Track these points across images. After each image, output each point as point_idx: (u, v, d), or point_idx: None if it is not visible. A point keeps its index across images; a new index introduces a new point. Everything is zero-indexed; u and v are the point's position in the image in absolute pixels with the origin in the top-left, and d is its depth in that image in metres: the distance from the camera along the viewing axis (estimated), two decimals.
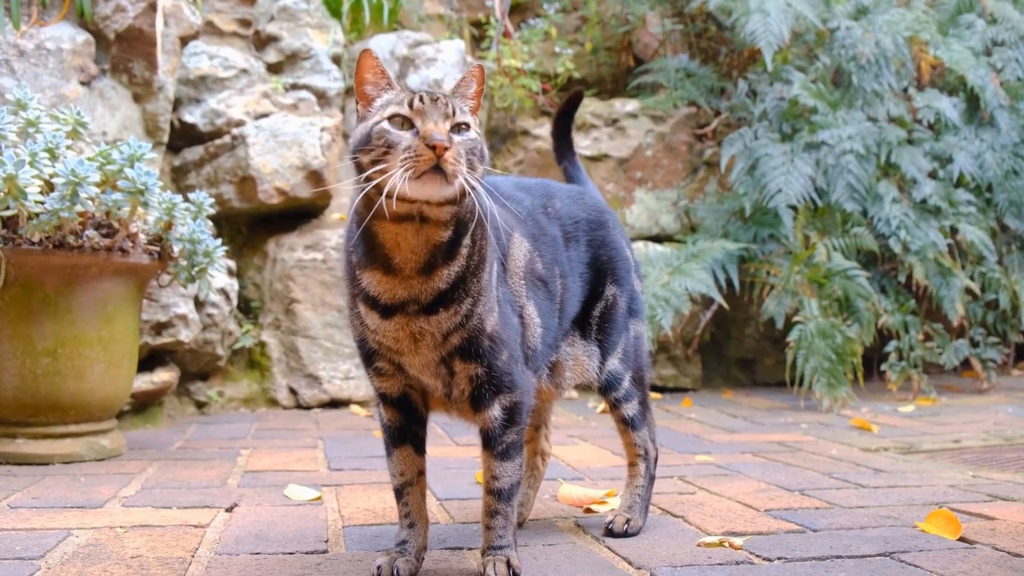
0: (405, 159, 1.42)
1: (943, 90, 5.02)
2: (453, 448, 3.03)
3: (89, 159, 2.64)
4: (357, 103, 1.56)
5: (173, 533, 1.93)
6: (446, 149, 1.42)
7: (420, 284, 1.52)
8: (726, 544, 1.81)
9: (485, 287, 1.57)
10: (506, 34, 5.13)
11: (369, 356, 1.63)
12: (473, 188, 1.46)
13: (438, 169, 1.42)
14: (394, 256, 1.51)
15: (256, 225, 4.25)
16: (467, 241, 1.54)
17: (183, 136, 4.14)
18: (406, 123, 1.47)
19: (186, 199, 2.93)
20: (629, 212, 4.88)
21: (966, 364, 4.84)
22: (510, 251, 1.69)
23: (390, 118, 1.47)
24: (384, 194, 1.41)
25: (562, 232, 1.87)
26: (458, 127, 1.49)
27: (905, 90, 4.93)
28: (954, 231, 4.62)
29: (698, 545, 1.82)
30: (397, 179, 1.40)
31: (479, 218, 1.55)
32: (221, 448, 3.00)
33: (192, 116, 4.11)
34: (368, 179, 1.47)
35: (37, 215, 2.55)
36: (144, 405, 3.51)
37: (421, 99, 1.48)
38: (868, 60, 4.68)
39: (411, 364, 1.59)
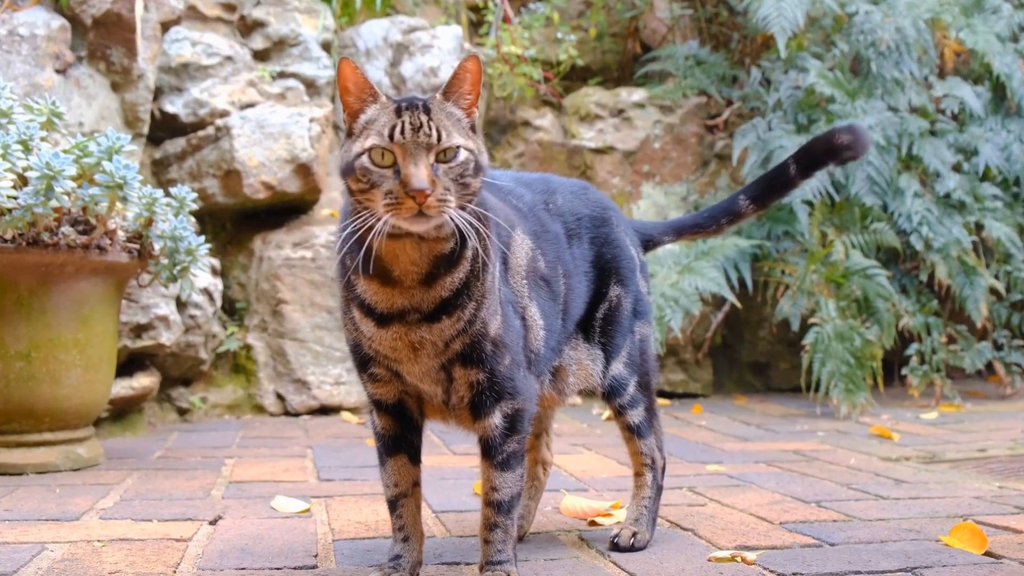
0: (387, 204, 1.45)
1: (968, 78, 5.02)
2: (450, 457, 3.03)
3: (65, 151, 2.64)
4: (344, 114, 1.57)
5: (153, 547, 1.93)
6: (427, 196, 1.43)
7: (422, 293, 1.53)
8: (738, 559, 1.81)
9: (489, 289, 1.57)
10: (506, 19, 5.13)
11: (364, 362, 1.64)
12: (465, 220, 1.47)
13: (421, 213, 1.44)
14: (393, 269, 1.53)
15: (241, 221, 4.25)
16: (471, 244, 1.55)
17: (164, 127, 4.14)
18: (387, 155, 1.48)
19: (167, 194, 2.93)
20: (636, 207, 4.88)
21: (991, 368, 4.84)
22: (512, 249, 1.69)
23: (371, 151, 1.48)
24: (376, 230, 1.45)
25: (564, 229, 1.87)
26: (445, 152, 1.49)
27: (927, 78, 4.93)
28: (979, 227, 4.62)
29: (709, 560, 1.82)
30: (380, 222, 1.44)
31: (483, 219, 1.56)
32: (204, 457, 3.00)
33: (174, 106, 4.11)
34: (360, 204, 1.50)
35: (9, 211, 2.55)
36: (123, 412, 3.51)
37: (402, 130, 1.47)
38: (888, 46, 4.68)
39: (410, 372, 1.60)
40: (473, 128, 1.57)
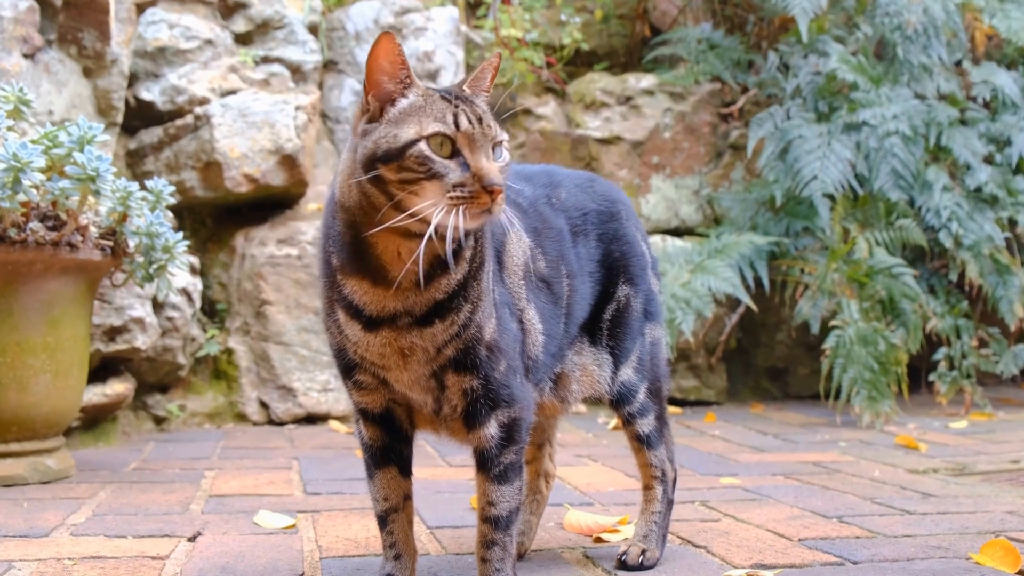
0: (456, 197, 1.42)
1: (1001, 63, 5.02)
2: (445, 469, 3.03)
3: (33, 142, 2.64)
4: (366, 93, 1.51)
5: (128, 566, 1.92)
6: (501, 192, 1.44)
7: (416, 296, 1.53)
8: None
9: (484, 290, 1.57)
10: (505, 0, 5.13)
11: (348, 368, 1.63)
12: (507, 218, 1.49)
13: (489, 209, 1.44)
14: (391, 268, 1.51)
15: (222, 217, 4.25)
16: (469, 242, 1.55)
17: (140, 116, 4.14)
18: (446, 144, 1.45)
19: (143, 187, 2.93)
20: (645, 202, 4.88)
21: None
22: (507, 247, 1.69)
23: (430, 138, 1.44)
24: (432, 226, 1.41)
25: (569, 225, 1.86)
26: (498, 145, 1.51)
27: (958, 64, 4.92)
28: (1012, 223, 4.62)
29: None
30: (447, 218, 1.41)
31: None
32: (183, 469, 3.00)
33: (150, 93, 4.11)
34: (392, 197, 1.45)
35: None
36: (95, 420, 3.51)
37: (468, 119, 1.46)
38: (915, 30, 4.68)
39: (398, 380, 1.59)
40: None
